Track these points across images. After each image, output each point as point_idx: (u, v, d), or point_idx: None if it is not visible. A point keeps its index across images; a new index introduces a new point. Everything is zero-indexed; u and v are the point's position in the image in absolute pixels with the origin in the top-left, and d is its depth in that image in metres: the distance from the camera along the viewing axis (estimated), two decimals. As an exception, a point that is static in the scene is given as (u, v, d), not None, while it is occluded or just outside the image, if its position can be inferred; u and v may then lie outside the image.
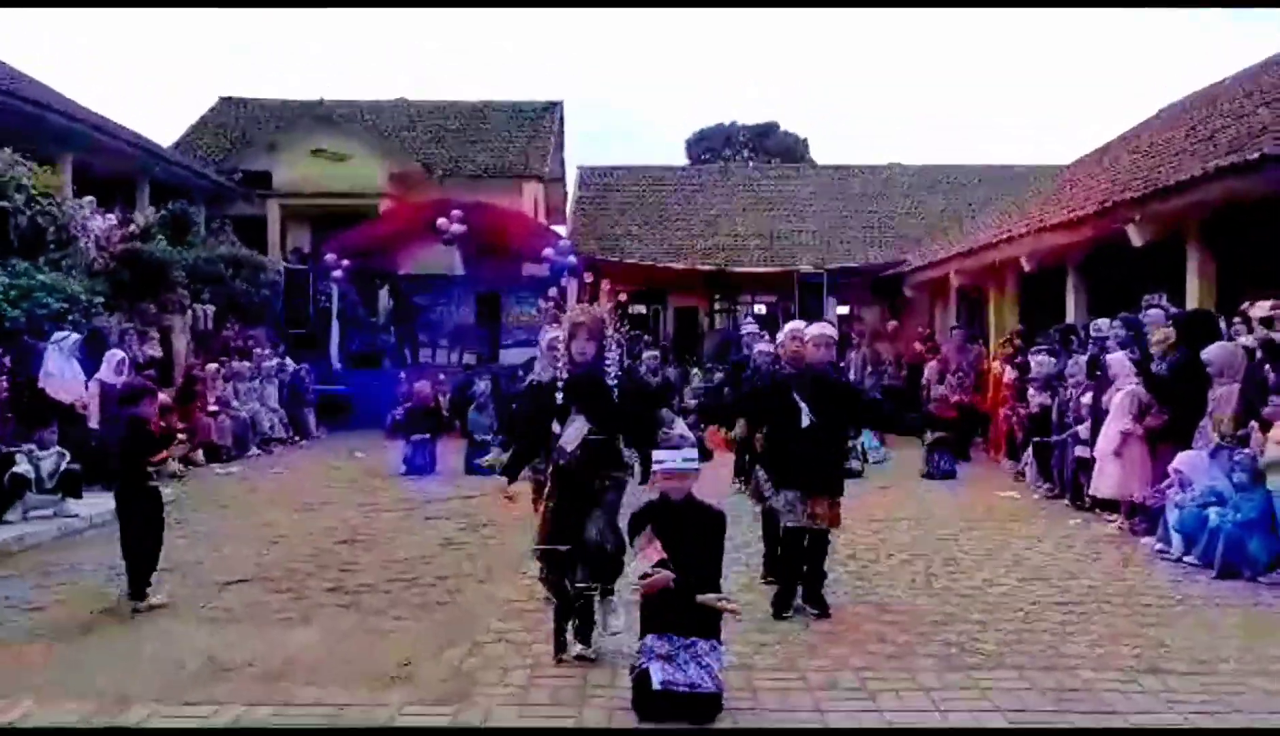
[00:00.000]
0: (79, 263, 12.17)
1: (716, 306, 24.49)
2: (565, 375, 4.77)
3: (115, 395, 9.80)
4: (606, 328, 4.79)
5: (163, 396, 11.61)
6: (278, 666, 4.53)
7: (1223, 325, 8.28)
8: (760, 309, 23.10)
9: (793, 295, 19.08)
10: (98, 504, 8.66)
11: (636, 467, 5.24)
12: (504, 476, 5.07)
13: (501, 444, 11.77)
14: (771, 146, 40.91)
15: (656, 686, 3.82)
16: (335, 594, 5.91)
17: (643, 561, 4.08)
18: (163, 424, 9.68)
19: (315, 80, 71.65)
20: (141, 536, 5.69)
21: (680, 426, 7.17)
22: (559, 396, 4.74)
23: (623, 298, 23.56)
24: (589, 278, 19.25)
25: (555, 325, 5.87)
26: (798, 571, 5.57)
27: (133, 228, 14.06)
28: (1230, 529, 6.42)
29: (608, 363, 4.75)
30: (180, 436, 8.02)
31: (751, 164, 37.73)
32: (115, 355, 10.20)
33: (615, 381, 4.76)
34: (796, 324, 6.31)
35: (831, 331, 6.04)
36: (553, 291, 17.03)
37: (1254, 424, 6.63)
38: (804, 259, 21.78)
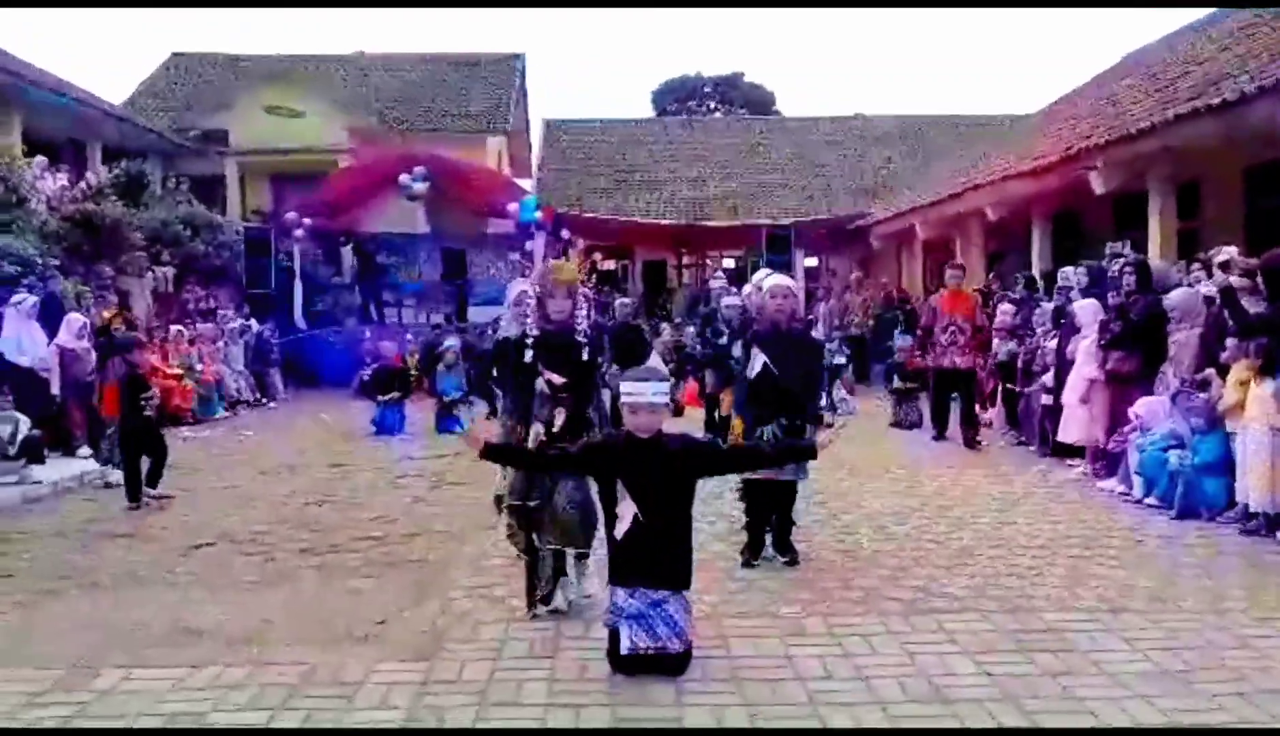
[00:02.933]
0: (31, 225, 11.85)
1: (684, 261, 24.44)
2: (535, 332, 4.72)
3: (73, 359, 9.64)
4: (579, 286, 4.76)
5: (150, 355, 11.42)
6: (247, 629, 4.50)
7: (1181, 273, 8.39)
8: (729, 263, 23.07)
9: (760, 248, 19.10)
10: (62, 468, 8.54)
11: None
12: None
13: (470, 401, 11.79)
14: (737, 97, 40.62)
15: (624, 653, 3.85)
16: (305, 555, 5.87)
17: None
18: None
19: (271, 34, 70.23)
20: (155, 448, 7.43)
21: (655, 358, 7.15)
22: (528, 354, 4.69)
23: (597, 257, 23.44)
24: (565, 235, 19.03)
25: (523, 278, 5.80)
26: (766, 520, 5.61)
27: (83, 186, 13.70)
28: (1189, 471, 6.56)
29: (578, 320, 4.72)
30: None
31: (718, 115, 37.48)
32: (75, 320, 9.96)
33: (586, 338, 4.73)
34: (761, 275, 6.27)
35: (789, 282, 5.96)
36: (529, 245, 16.84)
37: (1211, 370, 6.74)
38: (771, 211, 21.74)
